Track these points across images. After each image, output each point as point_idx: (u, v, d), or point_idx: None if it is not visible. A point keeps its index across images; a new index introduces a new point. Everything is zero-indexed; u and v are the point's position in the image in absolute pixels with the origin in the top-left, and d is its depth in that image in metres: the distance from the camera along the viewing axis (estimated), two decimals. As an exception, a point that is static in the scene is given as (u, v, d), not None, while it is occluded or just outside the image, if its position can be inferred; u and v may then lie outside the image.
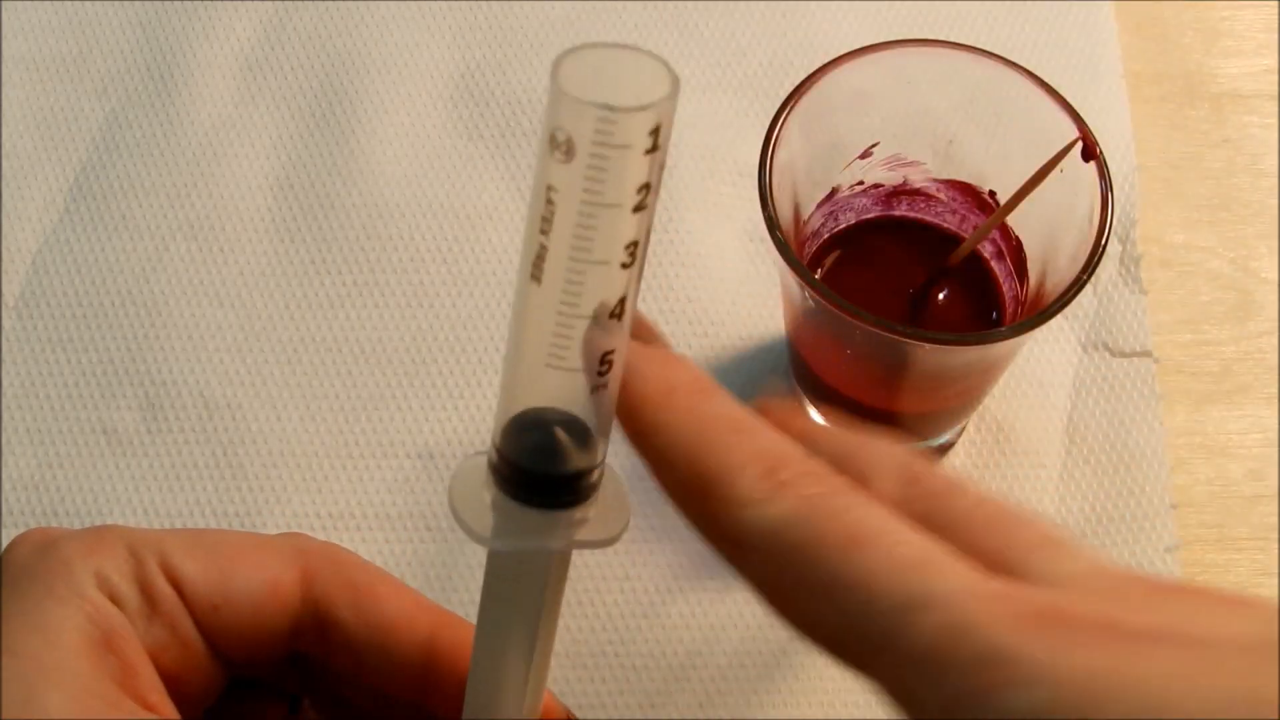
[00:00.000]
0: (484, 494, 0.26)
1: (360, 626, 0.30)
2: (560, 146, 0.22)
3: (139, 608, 0.29)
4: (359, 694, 0.32)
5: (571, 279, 0.24)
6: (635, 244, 0.24)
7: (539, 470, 0.25)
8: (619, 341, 0.25)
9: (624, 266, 0.24)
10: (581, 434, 0.25)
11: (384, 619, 0.30)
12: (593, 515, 0.26)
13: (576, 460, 0.26)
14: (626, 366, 0.26)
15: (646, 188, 0.23)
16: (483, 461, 0.26)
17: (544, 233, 0.23)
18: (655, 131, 0.23)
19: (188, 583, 0.29)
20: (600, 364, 0.25)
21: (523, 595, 0.27)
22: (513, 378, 0.25)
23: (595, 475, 0.26)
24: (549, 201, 0.23)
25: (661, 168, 0.24)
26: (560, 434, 0.25)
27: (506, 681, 0.27)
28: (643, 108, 0.22)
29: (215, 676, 0.30)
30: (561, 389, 0.25)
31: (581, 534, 0.26)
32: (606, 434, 0.26)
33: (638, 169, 0.23)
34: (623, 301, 0.24)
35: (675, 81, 0.22)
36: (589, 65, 0.22)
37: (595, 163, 0.22)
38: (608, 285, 0.24)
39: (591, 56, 0.22)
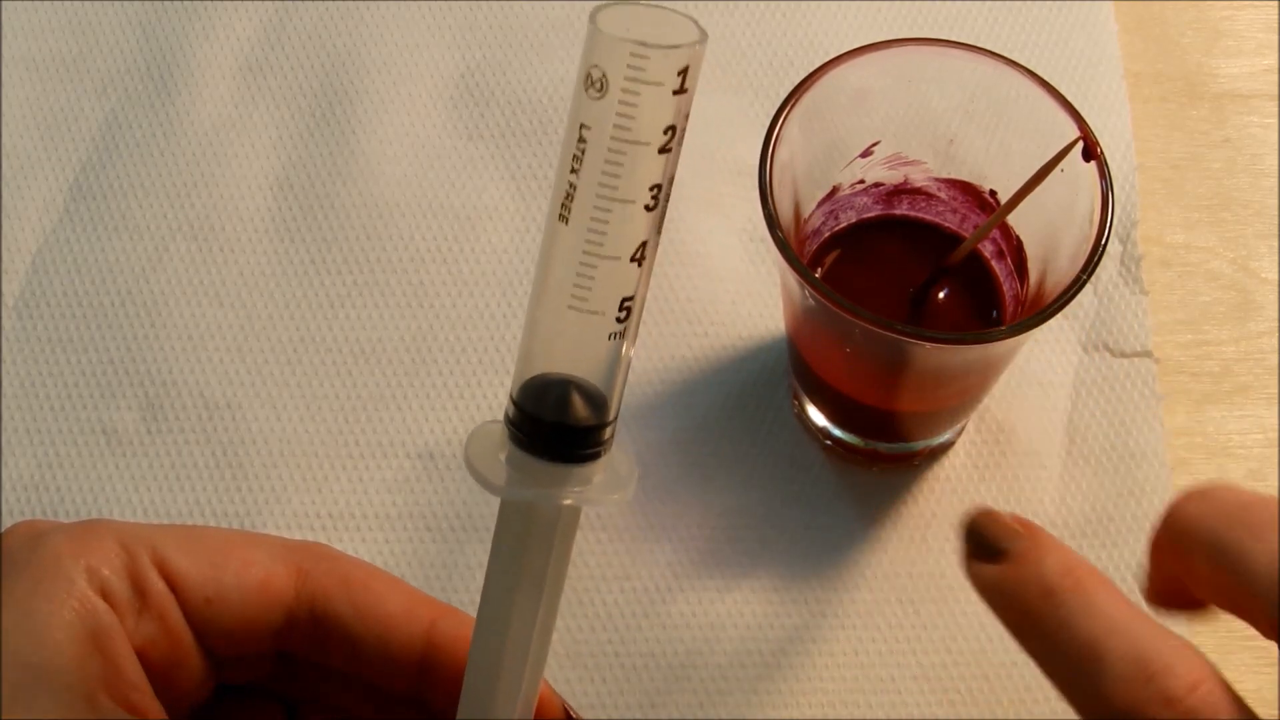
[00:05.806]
0: (499, 453, 0.27)
1: (358, 620, 0.30)
2: (595, 84, 0.24)
3: (129, 602, 0.28)
4: (353, 696, 0.32)
5: (598, 216, 0.25)
6: (659, 187, 0.25)
7: (553, 420, 0.26)
8: (639, 288, 0.26)
9: (648, 209, 0.25)
10: (596, 393, 0.26)
11: (382, 612, 0.30)
12: (602, 477, 0.27)
13: (590, 414, 0.26)
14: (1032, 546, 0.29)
15: (672, 130, 0.24)
16: (498, 426, 0.27)
17: (574, 171, 0.24)
18: (684, 73, 0.24)
19: (180, 576, 0.29)
20: (619, 309, 0.26)
21: (531, 552, 0.28)
22: (534, 317, 0.26)
23: (607, 433, 0.27)
24: (581, 139, 0.24)
25: (686, 118, 0.25)
26: (575, 388, 0.26)
27: (512, 642, 0.28)
28: (674, 47, 0.24)
29: (204, 673, 0.30)
30: (581, 333, 0.26)
31: (590, 492, 0.27)
32: (619, 393, 0.27)
33: (666, 108, 0.24)
34: (644, 245, 0.25)
35: (704, 33, 0.24)
36: (624, 17, 0.24)
37: (627, 98, 0.24)
38: (632, 226, 0.25)
39: (626, 12, 0.24)
